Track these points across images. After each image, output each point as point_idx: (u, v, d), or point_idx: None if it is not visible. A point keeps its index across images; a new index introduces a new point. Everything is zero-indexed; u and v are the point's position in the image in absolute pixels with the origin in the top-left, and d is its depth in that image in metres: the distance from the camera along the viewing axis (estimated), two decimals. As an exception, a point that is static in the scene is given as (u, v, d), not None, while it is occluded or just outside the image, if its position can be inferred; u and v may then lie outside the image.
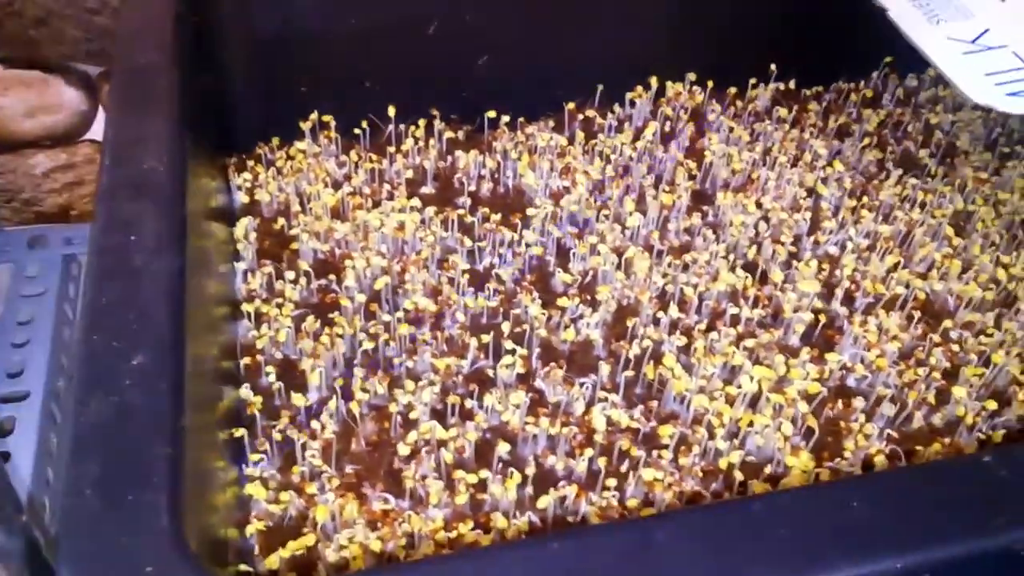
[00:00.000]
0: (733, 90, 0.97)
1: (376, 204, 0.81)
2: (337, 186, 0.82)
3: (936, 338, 0.72)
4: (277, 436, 0.60)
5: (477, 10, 0.88)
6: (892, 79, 1.02)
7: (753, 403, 0.66)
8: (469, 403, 0.64)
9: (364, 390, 0.64)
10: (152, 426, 0.41)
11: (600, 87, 0.92)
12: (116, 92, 0.61)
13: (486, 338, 0.68)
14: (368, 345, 0.67)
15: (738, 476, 0.60)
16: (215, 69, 0.81)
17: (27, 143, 0.87)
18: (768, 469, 0.61)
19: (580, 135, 0.89)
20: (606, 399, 0.65)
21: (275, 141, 0.86)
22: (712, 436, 0.63)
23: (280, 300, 0.71)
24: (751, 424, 0.64)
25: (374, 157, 0.84)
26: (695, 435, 0.63)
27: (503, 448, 0.60)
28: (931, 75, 1.03)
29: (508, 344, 0.68)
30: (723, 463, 0.61)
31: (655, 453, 0.62)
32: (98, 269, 0.48)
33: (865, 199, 0.86)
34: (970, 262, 0.79)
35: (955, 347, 0.72)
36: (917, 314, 0.74)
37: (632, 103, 0.94)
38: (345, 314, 0.70)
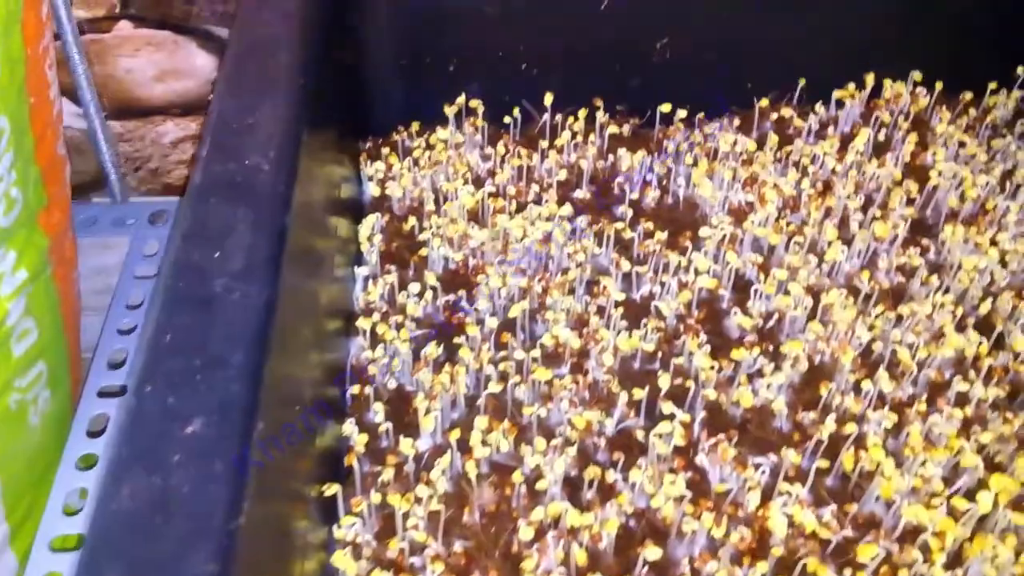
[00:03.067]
0: (968, 95, 0.78)
1: (520, 208, 0.69)
2: (479, 183, 0.71)
3: None
4: (376, 498, 0.49)
5: (659, -17, 0.74)
6: None
7: (982, 517, 0.50)
8: (611, 475, 0.52)
9: (485, 443, 0.53)
10: (196, 527, 0.31)
11: (802, 82, 0.76)
12: (228, 67, 0.52)
13: (639, 392, 0.55)
14: (495, 387, 0.56)
15: (962, 624, 0.45)
16: (354, 42, 0.71)
17: (156, 109, 0.81)
18: (1010, 627, 0.45)
19: (772, 139, 0.74)
20: (788, 492, 0.51)
21: (415, 126, 0.75)
22: (928, 560, 0.48)
23: (400, 318, 0.60)
24: (982, 550, 0.48)
25: (523, 152, 0.73)
26: (903, 555, 0.48)
27: (652, 552, 0.47)
28: None
29: (666, 406, 0.54)
30: (946, 607, 0.46)
31: (847, 572, 0.48)
32: (169, 294, 0.38)
33: None
34: None
35: None
36: None
37: (840, 103, 0.77)
38: (472, 344, 0.58)
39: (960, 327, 0.61)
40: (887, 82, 0.79)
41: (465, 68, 0.75)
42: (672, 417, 0.53)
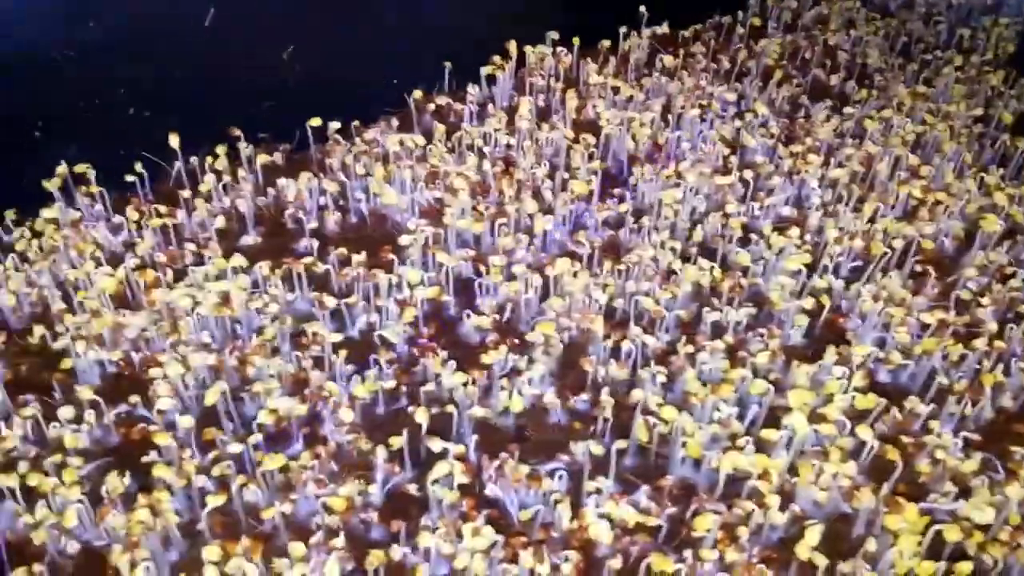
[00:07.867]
0: (606, 43, 0.78)
1: (180, 275, 0.55)
2: (116, 260, 0.56)
3: (963, 295, 0.56)
4: None
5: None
6: (771, 3, 0.88)
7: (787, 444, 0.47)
8: (397, 552, 0.41)
9: (225, 577, 0.40)
10: None
11: (447, 65, 0.71)
12: None
13: (396, 440, 0.45)
14: (216, 499, 0.42)
15: (820, 561, 0.41)
16: None
17: None
18: (872, 544, 0.41)
19: (439, 128, 0.67)
20: (597, 490, 0.43)
21: (10, 215, 0.58)
22: (762, 505, 0.43)
23: (58, 457, 0.45)
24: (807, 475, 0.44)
25: (163, 209, 0.59)
26: (736, 510, 0.43)
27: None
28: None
29: (434, 443, 0.45)
30: (801, 551, 0.41)
31: (688, 555, 0.41)
32: None
33: (808, 142, 0.69)
34: (949, 190, 0.65)
35: (984, 300, 0.56)
36: (928, 268, 0.58)
37: (491, 79, 0.73)
38: (167, 454, 0.44)
39: (687, 259, 0.58)
40: (528, 48, 0.76)
41: (56, 130, 0.60)
42: (445, 453, 0.44)
